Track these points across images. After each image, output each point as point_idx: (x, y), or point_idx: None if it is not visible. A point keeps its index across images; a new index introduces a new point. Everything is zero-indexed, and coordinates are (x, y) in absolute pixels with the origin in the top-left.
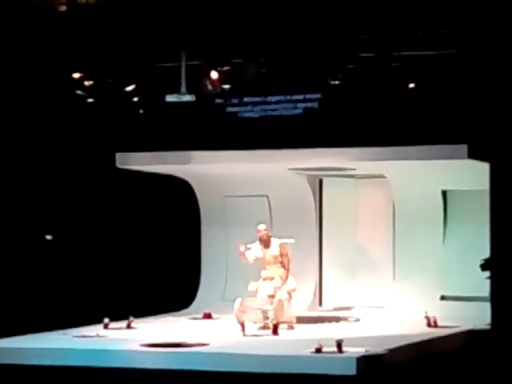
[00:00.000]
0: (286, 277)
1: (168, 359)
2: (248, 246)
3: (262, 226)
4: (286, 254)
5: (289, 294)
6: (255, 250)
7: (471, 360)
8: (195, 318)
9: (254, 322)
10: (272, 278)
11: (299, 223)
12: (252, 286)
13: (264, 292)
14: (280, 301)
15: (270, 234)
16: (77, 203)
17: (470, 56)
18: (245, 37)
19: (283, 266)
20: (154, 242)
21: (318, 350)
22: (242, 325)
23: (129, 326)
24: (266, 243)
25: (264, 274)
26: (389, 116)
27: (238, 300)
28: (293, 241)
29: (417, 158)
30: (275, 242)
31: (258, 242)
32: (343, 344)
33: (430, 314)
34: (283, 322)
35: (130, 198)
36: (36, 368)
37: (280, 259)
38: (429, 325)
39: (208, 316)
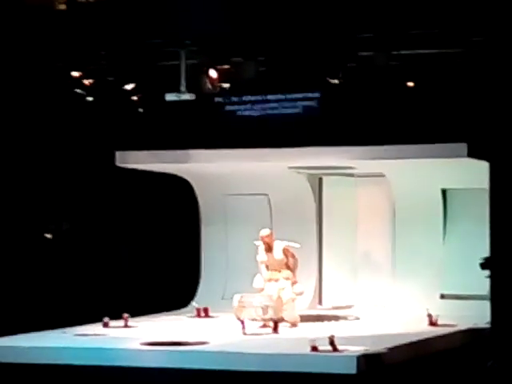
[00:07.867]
0: (292, 277)
1: (168, 358)
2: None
3: (263, 232)
4: (292, 256)
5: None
6: (260, 253)
7: (471, 359)
8: (195, 317)
9: (253, 320)
10: (277, 280)
11: (299, 222)
12: (258, 283)
13: (268, 293)
14: (279, 298)
15: (272, 239)
16: (76, 202)
17: (470, 54)
18: (244, 35)
19: (288, 268)
20: (154, 241)
21: (314, 349)
22: (242, 322)
23: (126, 325)
24: (267, 248)
25: (269, 275)
26: (388, 115)
27: (237, 296)
28: (298, 245)
29: (416, 156)
30: (279, 246)
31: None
32: (335, 340)
33: (430, 313)
34: (286, 321)
35: (130, 197)
36: (37, 367)
37: (285, 260)
38: (431, 323)
39: (205, 311)
